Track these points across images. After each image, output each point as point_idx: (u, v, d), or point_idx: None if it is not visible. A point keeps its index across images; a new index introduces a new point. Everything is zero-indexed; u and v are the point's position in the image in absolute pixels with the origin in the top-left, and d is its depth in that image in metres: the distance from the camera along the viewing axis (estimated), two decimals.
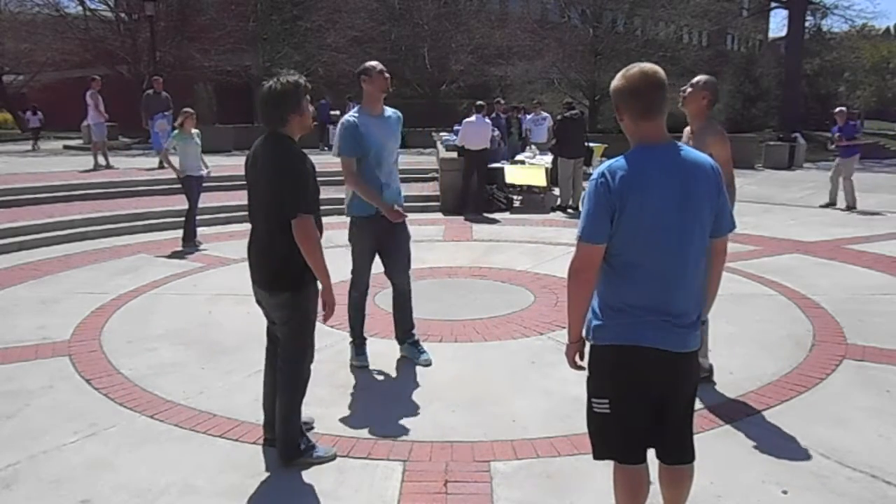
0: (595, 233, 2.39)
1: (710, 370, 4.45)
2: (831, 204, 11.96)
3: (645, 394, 2.47)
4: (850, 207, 11.55)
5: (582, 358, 2.57)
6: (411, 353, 4.92)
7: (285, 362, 3.47)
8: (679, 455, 2.60)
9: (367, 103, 4.61)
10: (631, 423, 2.49)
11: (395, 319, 4.93)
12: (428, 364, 4.81)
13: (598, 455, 2.61)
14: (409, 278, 4.91)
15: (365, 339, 4.88)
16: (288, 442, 3.48)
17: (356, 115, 4.57)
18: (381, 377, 4.64)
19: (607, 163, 2.43)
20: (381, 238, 4.67)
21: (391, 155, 4.66)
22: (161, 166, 13.49)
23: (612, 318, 2.44)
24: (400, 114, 4.82)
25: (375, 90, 4.58)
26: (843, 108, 12.63)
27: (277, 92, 3.29)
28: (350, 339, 4.86)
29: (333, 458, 3.53)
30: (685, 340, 2.44)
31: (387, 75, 4.61)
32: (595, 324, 2.49)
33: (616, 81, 2.47)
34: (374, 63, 4.64)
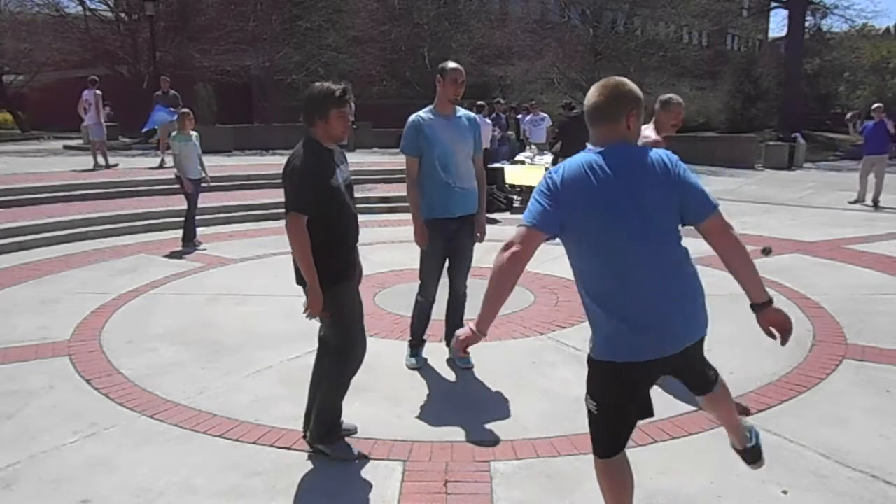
0: (534, 217, 2.40)
1: None
2: (859, 201, 12.08)
3: (634, 398, 2.50)
4: (875, 203, 11.75)
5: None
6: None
7: (330, 356, 3.55)
8: (705, 387, 2.68)
9: (437, 104, 4.56)
10: (619, 423, 2.53)
11: (447, 319, 4.85)
12: (467, 367, 4.75)
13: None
14: (466, 283, 4.84)
15: (424, 341, 4.88)
16: (319, 429, 3.54)
17: (425, 113, 4.53)
18: (381, 377, 4.63)
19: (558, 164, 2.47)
20: (451, 241, 4.61)
21: (461, 158, 4.53)
22: (161, 166, 13.51)
23: (597, 334, 2.48)
24: (473, 115, 4.72)
25: (444, 93, 4.51)
26: (881, 105, 12.59)
27: (312, 94, 3.39)
28: (409, 340, 4.87)
29: (356, 458, 3.53)
30: (675, 343, 2.43)
31: (459, 84, 4.47)
32: (589, 337, 2.53)
33: None
34: (453, 66, 4.50)
